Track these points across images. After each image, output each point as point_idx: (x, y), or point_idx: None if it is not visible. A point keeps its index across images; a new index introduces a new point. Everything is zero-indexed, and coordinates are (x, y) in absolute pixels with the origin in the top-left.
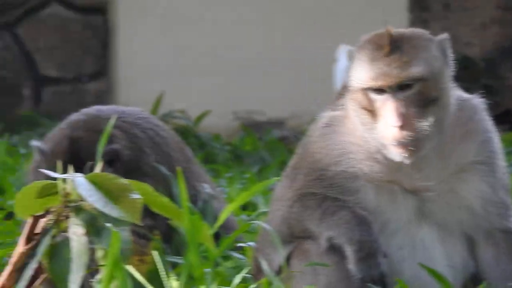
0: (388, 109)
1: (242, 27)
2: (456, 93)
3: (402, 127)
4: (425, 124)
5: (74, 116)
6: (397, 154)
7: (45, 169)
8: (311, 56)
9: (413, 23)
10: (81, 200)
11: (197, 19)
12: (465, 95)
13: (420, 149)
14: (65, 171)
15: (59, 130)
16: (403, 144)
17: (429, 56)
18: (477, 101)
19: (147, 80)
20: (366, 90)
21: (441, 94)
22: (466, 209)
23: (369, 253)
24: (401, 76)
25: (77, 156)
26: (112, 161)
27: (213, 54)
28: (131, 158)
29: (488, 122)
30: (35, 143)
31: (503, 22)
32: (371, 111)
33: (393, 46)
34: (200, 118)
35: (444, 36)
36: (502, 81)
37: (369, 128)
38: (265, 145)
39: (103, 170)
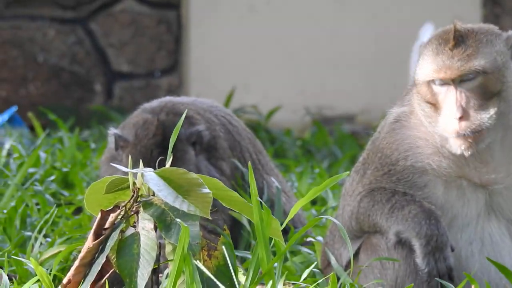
0: (450, 101)
1: (313, 22)
2: None
3: (462, 119)
4: (487, 116)
5: (149, 104)
6: (457, 146)
7: (127, 155)
8: (382, 52)
9: (486, 18)
10: (151, 195)
11: (269, 14)
12: None
13: (480, 142)
14: (151, 154)
15: (137, 117)
16: (463, 136)
17: (493, 50)
18: None
19: (219, 75)
20: (429, 82)
21: (505, 88)
22: None
23: (436, 246)
24: (462, 69)
25: (165, 138)
26: (195, 143)
27: (284, 49)
28: (210, 139)
29: None
30: (112, 130)
31: None
32: (434, 105)
33: (458, 40)
34: (271, 113)
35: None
36: None
37: (432, 121)
38: (336, 140)
39: (188, 152)
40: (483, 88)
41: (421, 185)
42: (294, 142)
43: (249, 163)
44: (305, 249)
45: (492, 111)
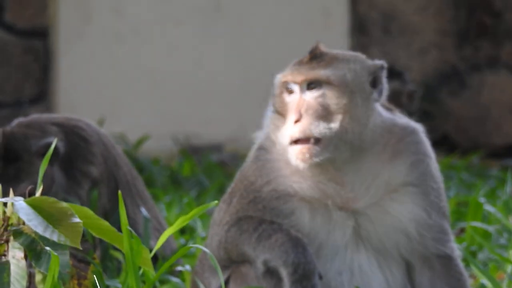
0: (292, 106)
1: (180, 52)
2: (390, 116)
3: (299, 122)
4: (325, 126)
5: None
6: (293, 155)
7: None
8: (250, 81)
9: (353, 48)
10: (21, 224)
11: (137, 43)
12: (402, 119)
13: (317, 154)
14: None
15: None
16: (298, 144)
17: (345, 66)
18: (412, 124)
19: (87, 103)
20: (281, 91)
21: (353, 106)
22: (402, 232)
23: (304, 274)
24: (307, 74)
25: (10, 150)
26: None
27: (153, 78)
28: (66, 150)
29: (422, 145)
30: None
31: (441, 47)
32: (284, 115)
33: (316, 55)
34: (140, 142)
35: (380, 62)
36: (440, 106)
37: (280, 133)
38: (204, 169)
39: (35, 163)
40: (327, 99)
41: (287, 212)
42: (162, 171)
43: (119, 192)
44: (174, 279)
45: (333, 124)
